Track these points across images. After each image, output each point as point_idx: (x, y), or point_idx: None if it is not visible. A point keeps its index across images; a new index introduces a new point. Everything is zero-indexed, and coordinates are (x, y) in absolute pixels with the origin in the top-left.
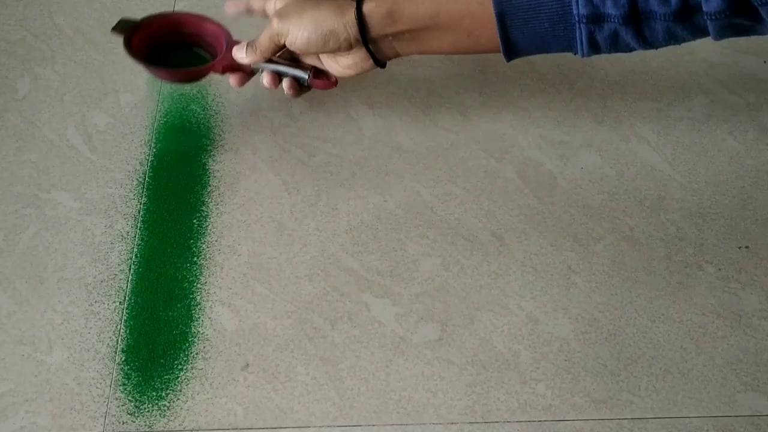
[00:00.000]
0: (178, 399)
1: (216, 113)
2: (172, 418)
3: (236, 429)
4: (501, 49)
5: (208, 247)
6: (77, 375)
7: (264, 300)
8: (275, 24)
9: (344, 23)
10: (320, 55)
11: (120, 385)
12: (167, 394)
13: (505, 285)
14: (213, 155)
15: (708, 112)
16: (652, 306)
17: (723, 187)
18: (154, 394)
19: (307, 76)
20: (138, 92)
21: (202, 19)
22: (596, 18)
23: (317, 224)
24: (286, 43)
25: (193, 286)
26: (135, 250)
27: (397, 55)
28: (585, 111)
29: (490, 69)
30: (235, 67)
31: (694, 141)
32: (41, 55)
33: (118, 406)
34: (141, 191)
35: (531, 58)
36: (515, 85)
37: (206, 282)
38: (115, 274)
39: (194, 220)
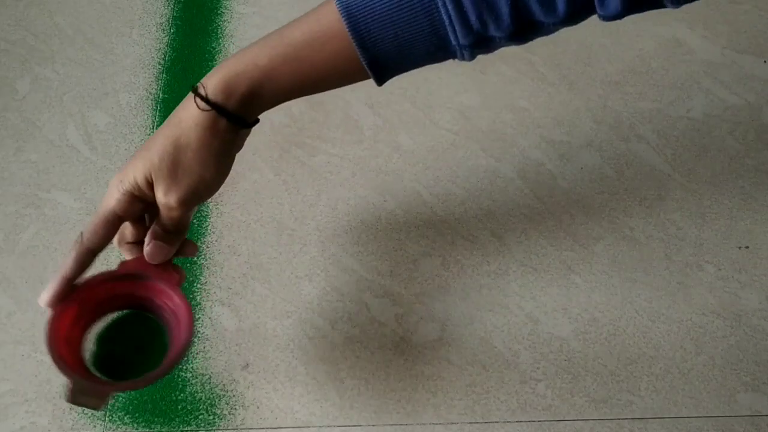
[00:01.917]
0: (178, 399)
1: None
2: (172, 418)
3: (236, 429)
4: (375, 83)
5: (208, 247)
6: None
7: (264, 300)
8: (178, 203)
9: (225, 131)
10: None
11: None
12: (167, 394)
13: (505, 285)
14: None
15: (708, 112)
16: (652, 306)
17: (723, 187)
18: (153, 394)
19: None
20: (138, 92)
21: (84, 286)
22: (480, 42)
23: (317, 224)
24: (204, 199)
25: (193, 286)
26: None
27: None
28: (585, 111)
29: (490, 69)
30: (174, 267)
31: (694, 141)
32: (41, 55)
33: (118, 407)
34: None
35: (531, 58)
36: (515, 85)
37: (206, 282)
38: None
39: (194, 220)
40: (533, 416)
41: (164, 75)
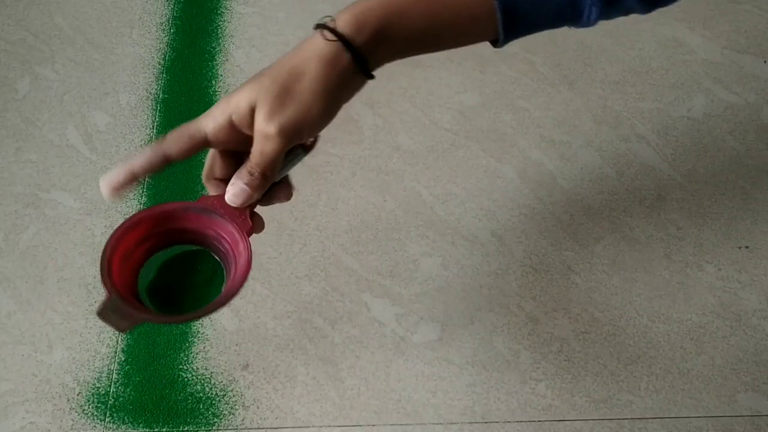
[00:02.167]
0: (179, 399)
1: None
2: (172, 418)
3: (236, 429)
4: (500, 39)
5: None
6: (77, 375)
7: (264, 300)
8: (277, 132)
9: (345, 69)
10: None
11: (120, 385)
12: (167, 395)
13: (505, 285)
14: None
15: (708, 112)
16: (652, 306)
17: (723, 187)
18: (154, 394)
19: (303, 151)
20: (138, 92)
21: (142, 215)
22: (612, 0)
23: (317, 224)
24: (304, 139)
25: None
26: None
27: (388, 63)
28: (585, 111)
29: (490, 69)
30: (251, 217)
31: (694, 141)
32: (41, 55)
33: (118, 406)
34: (141, 192)
35: (531, 58)
36: (515, 85)
37: None
38: None
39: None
40: (533, 416)
41: (164, 75)
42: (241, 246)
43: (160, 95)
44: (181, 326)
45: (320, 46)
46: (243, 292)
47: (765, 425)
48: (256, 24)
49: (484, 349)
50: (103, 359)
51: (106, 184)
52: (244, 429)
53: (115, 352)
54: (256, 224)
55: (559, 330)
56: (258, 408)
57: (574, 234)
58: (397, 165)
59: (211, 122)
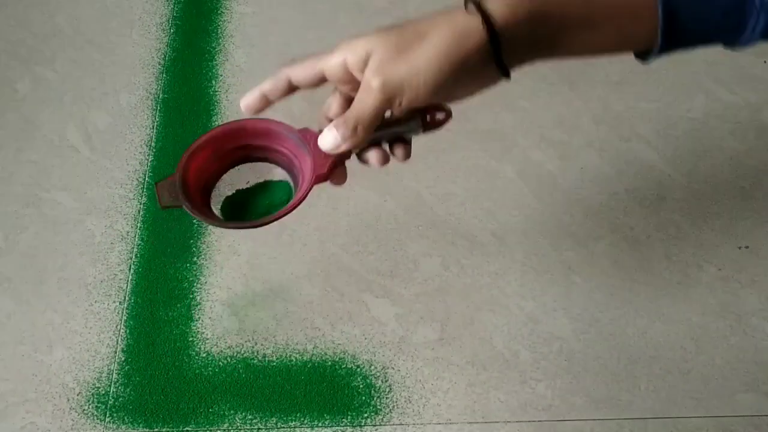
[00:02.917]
0: (179, 399)
1: (216, 114)
2: (172, 419)
3: (237, 429)
4: (658, 45)
5: (208, 247)
6: (77, 375)
7: (264, 300)
8: (378, 85)
9: (474, 47)
10: None
11: (120, 385)
12: (168, 395)
13: (505, 285)
14: None
15: (708, 112)
16: (652, 306)
17: (723, 187)
18: (154, 394)
19: (420, 124)
20: (138, 92)
21: (245, 123)
22: None
23: (317, 224)
24: (404, 103)
25: (193, 286)
26: (135, 250)
27: (527, 63)
28: (585, 111)
29: None
30: (333, 166)
31: (694, 141)
32: (41, 55)
33: (118, 406)
34: (141, 191)
35: None
36: (515, 85)
37: (206, 282)
38: (115, 274)
39: (194, 220)
40: (533, 416)
41: (164, 75)
42: (305, 185)
43: (160, 95)
44: (180, 326)
45: (458, 17)
46: (243, 292)
47: (765, 425)
48: (256, 24)
49: (484, 349)
50: (103, 359)
51: (244, 106)
52: (243, 429)
53: (115, 352)
54: (337, 175)
55: (559, 330)
56: (258, 408)
57: (574, 234)
58: (397, 165)
59: (330, 58)
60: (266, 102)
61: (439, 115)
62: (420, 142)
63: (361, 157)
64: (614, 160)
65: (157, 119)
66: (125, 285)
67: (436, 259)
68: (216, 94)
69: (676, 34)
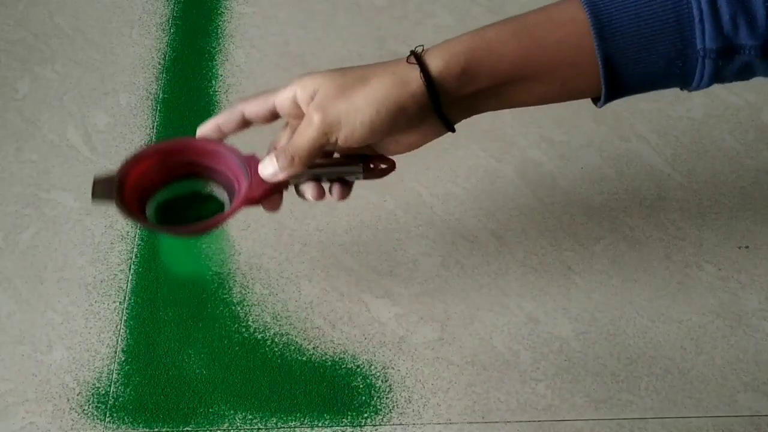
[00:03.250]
0: (179, 399)
1: (216, 114)
2: (172, 419)
3: (237, 429)
4: (602, 94)
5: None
6: (77, 375)
7: (264, 300)
8: (318, 120)
9: (411, 93)
10: None
11: (120, 385)
12: (168, 395)
13: (505, 285)
14: None
15: (708, 112)
16: (652, 306)
17: (723, 187)
18: (154, 394)
19: (360, 170)
20: (138, 92)
21: (194, 141)
22: (727, 51)
23: (317, 224)
24: (339, 140)
25: (193, 285)
26: (135, 250)
27: (472, 114)
28: (585, 111)
29: None
30: (266, 192)
31: (694, 141)
32: (41, 55)
33: (118, 406)
34: None
35: None
36: None
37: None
38: (115, 274)
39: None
40: (533, 416)
41: (164, 75)
42: (235, 204)
43: (160, 95)
44: (182, 326)
45: (400, 66)
46: (243, 292)
47: (765, 425)
48: (256, 24)
49: (484, 349)
50: (103, 359)
51: (199, 134)
52: (243, 429)
53: (115, 352)
54: (271, 202)
55: (559, 330)
56: (259, 408)
57: (574, 234)
58: (397, 165)
59: (282, 92)
60: (220, 133)
61: (383, 165)
62: None
63: (297, 189)
64: (614, 160)
65: (157, 119)
66: (125, 285)
67: (436, 259)
68: (216, 94)
69: (620, 83)
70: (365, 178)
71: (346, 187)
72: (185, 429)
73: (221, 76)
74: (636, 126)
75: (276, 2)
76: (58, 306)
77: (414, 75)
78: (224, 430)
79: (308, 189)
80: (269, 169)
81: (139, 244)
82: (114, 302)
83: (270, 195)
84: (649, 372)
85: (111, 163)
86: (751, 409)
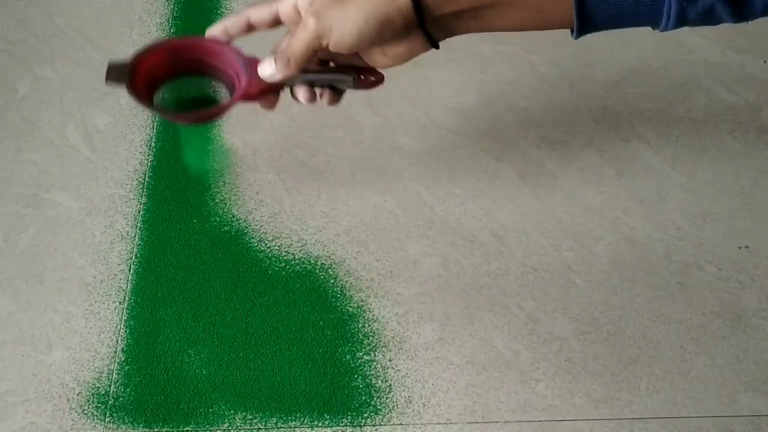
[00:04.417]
0: (179, 399)
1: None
2: (172, 419)
3: (237, 429)
4: (574, 25)
5: None
6: (77, 375)
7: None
8: (312, 24)
9: (398, 7)
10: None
11: (120, 385)
12: (168, 395)
13: (505, 285)
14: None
15: (708, 112)
16: (652, 306)
17: (723, 187)
18: (154, 394)
19: (351, 79)
20: None
21: (202, 41)
22: None
23: (317, 224)
24: (330, 44)
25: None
26: (135, 250)
27: (454, 34)
28: (585, 111)
29: (489, 69)
30: (263, 91)
31: (694, 141)
32: (41, 55)
33: (118, 406)
34: (141, 191)
35: (531, 58)
36: (515, 85)
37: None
38: (115, 274)
39: (194, 220)
40: (533, 416)
41: None
42: (235, 97)
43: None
44: (182, 326)
45: None
46: None
47: (765, 425)
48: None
49: (484, 349)
50: (103, 359)
51: (207, 35)
52: (243, 429)
53: (115, 352)
54: (267, 100)
55: (559, 330)
56: (259, 408)
57: (574, 234)
58: (397, 165)
59: (285, 2)
60: (227, 35)
61: (372, 77)
62: (420, 142)
63: (292, 92)
64: (614, 160)
65: (157, 119)
66: (125, 285)
67: (436, 259)
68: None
69: (590, 16)
70: (356, 88)
71: (336, 95)
72: (185, 429)
73: None
74: (636, 126)
75: None
76: (58, 306)
77: None
78: (224, 430)
79: (301, 92)
80: (267, 69)
81: (139, 244)
82: (114, 302)
83: (267, 93)
84: (649, 372)
85: (111, 163)
86: (751, 409)
